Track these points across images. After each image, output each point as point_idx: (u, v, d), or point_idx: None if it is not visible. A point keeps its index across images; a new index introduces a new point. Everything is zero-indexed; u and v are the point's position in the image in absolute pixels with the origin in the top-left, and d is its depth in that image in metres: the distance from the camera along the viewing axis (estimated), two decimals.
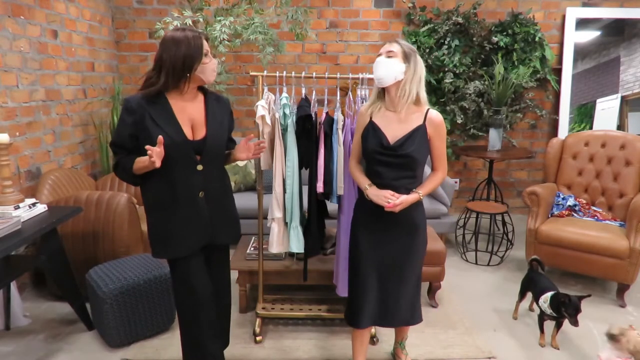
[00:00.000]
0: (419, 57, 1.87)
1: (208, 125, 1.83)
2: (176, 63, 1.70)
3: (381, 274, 1.99)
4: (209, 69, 1.79)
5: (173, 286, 1.95)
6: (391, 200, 1.83)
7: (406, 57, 1.84)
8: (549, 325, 2.51)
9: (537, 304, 2.53)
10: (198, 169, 1.81)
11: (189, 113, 1.81)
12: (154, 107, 1.74)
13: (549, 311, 2.42)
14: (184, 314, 1.94)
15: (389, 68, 1.83)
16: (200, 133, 1.82)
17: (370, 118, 1.93)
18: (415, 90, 1.86)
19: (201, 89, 1.89)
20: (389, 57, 1.85)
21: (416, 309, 2.10)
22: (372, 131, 1.90)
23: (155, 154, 1.62)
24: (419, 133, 1.86)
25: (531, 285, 2.67)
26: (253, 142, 1.97)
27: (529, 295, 2.73)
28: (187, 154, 1.78)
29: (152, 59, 4.67)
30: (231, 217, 2.00)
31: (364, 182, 1.94)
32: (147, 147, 1.62)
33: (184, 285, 1.89)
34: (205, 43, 1.77)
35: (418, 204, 1.95)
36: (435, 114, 1.89)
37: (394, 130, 1.88)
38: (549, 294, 2.44)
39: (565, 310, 2.33)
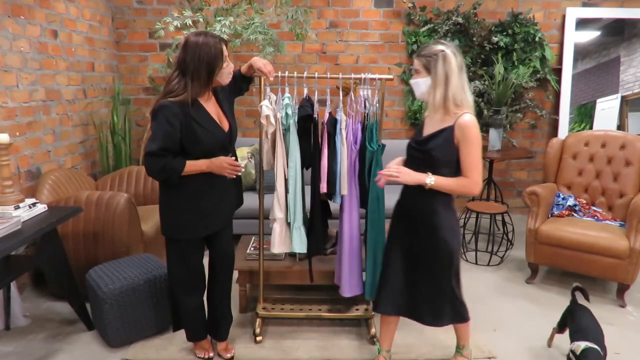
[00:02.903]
0: (443, 58, 1.81)
1: (228, 117, 2.08)
2: (200, 68, 1.87)
3: (406, 265, 2.04)
4: (226, 72, 1.97)
5: (171, 263, 2.15)
6: (391, 171, 1.86)
7: (427, 69, 1.86)
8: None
9: (571, 344, 2.19)
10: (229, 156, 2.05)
11: (213, 110, 2.02)
12: (193, 110, 1.89)
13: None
14: (179, 287, 2.19)
15: (418, 88, 1.93)
16: (225, 125, 2.05)
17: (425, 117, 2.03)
18: (441, 94, 1.83)
19: None
20: (416, 74, 1.92)
21: (442, 313, 2.03)
22: (418, 128, 2.04)
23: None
24: (445, 134, 1.85)
25: (569, 320, 2.31)
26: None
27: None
28: (225, 145, 2.03)
29: (152, 59, 4.67)
30: (242, 189, 2.33)
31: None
32: (234, 161, 1.95)
33: (184, 262, 2.13)
34: (224, 48, 1.92)
35: (438, 207, 1.92)
36: (465, 118, 1.82)
37: (430, 128, 1.93)
38: (582, 345, 2.06)
39: None
